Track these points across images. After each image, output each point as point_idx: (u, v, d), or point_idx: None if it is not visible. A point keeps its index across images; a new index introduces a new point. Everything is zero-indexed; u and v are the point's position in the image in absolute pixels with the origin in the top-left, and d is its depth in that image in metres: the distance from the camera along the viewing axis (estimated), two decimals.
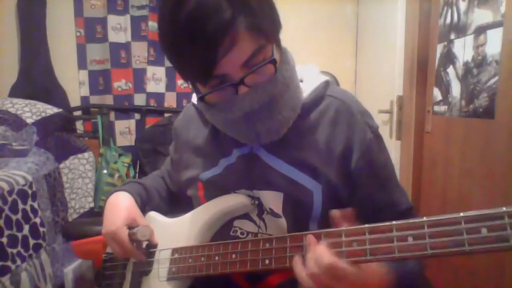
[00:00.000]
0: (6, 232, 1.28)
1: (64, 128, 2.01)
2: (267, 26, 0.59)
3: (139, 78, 2.28)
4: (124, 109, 2.29)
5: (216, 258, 0.66)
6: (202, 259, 0.68)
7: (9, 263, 1.27)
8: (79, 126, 2.27)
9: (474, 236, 0.44)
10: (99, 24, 2.22)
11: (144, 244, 0.77)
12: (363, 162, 0.68)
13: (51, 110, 1.95)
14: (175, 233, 0.76)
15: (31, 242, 1.41)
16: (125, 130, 2.31)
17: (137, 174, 2.21)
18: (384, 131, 1.94)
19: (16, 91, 2.11)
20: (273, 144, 0.68)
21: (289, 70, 0.65)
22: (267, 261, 0.60)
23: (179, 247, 0.73)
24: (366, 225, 0.52)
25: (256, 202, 0.71)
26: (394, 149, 1.81)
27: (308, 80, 0.74)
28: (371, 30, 2.21)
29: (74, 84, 2.25)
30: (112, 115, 2.27)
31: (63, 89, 2.22)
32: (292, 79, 0.65)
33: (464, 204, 1.35)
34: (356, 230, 0.53)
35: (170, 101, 2.34)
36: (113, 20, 2.21)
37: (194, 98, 0.81)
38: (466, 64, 1.34)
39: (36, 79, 2.13)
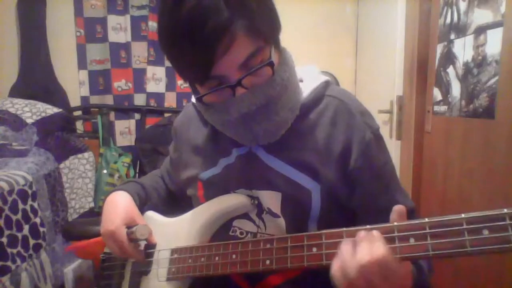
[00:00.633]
0: (6, 232, 1.28)
1: (64, 128, 2.01)
2: (265, 28, 0.59)
3: (139, 78, 2.28)
4: (124, 109, 2.29)
5: (216, 258, 0.66)
6: (202, 259, 0.68)
7: (9, 263, 1.27)
8: (79, 126, 2.27)
9: (475, 238, 0.44)
10: (99, 24, 2.22)
11: (143, 244, 0.77)
12: (362, 162, 0.67)
13: (51, 110, 1.95)
14: (174, 233, 0.76)
15: (31, 242, 1.41)
16: (125, 130, 2.31)
17: (137, 174, 2.21)
18: (384, 131, 1.93)
19: (16, 91, 2.11)
20: (272, 144, 0.67)
21: (288, 71, 0.65)
22: (268, 262, 0.60)
23: (178, 247, 0.73)
24: (368, 226, 0.52)
25: (256, 201, 0.71)
26: (394, 149, 1.81)
27: (308, 80, 0.74)
28: (371, 30, 2.21)
29: (74, 84, 2.25)
30: (112, 115, 2.27)
31: (63, 89, 2.21)
32: (290, 80, 0.65)
33: (464, 204, 1.35)
34: (356, 231, 0.52)
35: (170, 101, 2.34)
36: (113, 20, 2.21)
37: (195, 99, 0.81)
38: (466, 64, 1.34)
39: (36, 79, 2.13)
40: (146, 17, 2.24)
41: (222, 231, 0.73)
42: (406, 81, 1.75)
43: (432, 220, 0.48)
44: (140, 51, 2.27)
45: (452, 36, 1.42)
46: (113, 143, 2.25)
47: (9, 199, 1.31)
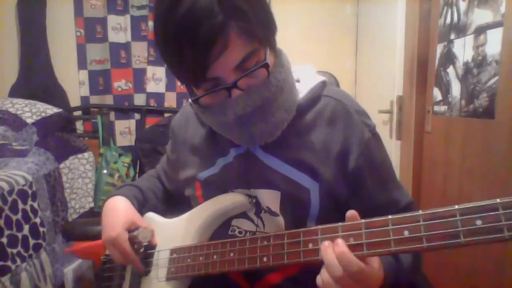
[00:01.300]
0: (6, 232, 1.28)
1: (64, 128, 2.02)
2: (260, 30, 0.59)
3: (139, 78, 2.29)
4: (124, 109, 2.29)
5: (215, 257, 0.66)
6: (201, 258, 0.68)
7: (9, 263, 1.27)
8: (79, 126, 2.27)
9: (469, 228, 0.44)
10: (99, 24, 2.23)
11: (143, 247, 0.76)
12: (362, 161, 0.68)
13: (51, 110, 1.96)
14: (173, 233, 0.76)
15: (31, 242, 1.41)
16: (125, 130, 2.31)
17: (137, 174, 2.21)
18: (384, 131, 1.94)
19: (16, 91, 2.11)
20: (270, 144, 0.68)
21: (283, 72, 0.65)
22: (265, 259, 0.60)
23: (177, 247, 0.73)
24: (362, 220, 0.52)
25: (254, 200, 0.71)
26: (394, 149, 1.81)
27: (304, 80, 0.74)
28: (371, 30, 2.21)
29: (74, 84, 2.25)
30: (112, 115, 2.28)
31: (63, 89, 2.22)
32: (286, 82, 0.65)
33: None
34: (352, 225, 0.53)
35: (170, 101, 2.35)
36: (113, 20, 2.22)
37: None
38: (466, 64, 1.34)
39: (36, 79, 2.13)
40: (146, 17, 2.24)
41: (221, 230, 0.73)
42: (406, 81, 1.75)
43: (426, 212, 0.48)
44: (140, 51, 2.27)
45: (452, 36, 1.42)
46: (113, 143, 2.25)
47: (9, 199, 1.31)
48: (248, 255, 0.62)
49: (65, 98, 2.22)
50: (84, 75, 2.26)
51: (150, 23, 2.24)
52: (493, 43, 1.20)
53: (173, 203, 0.91)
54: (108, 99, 2.27)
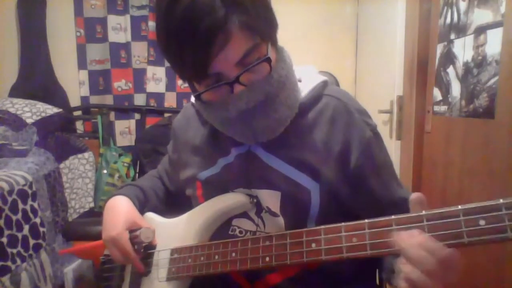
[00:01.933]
0: (6, 232, 1.28)
1: (64, 128, 2.01)
2: (261, 25, 0.59)
3: (139, 78, 2.29)
4: (124, 109, 2.29)
5: (216, 257, 0.66)
6: (202, 258, 0.68)
7: (9, 263, 1.27)
8: (79, 126, 2.27)
9: (472, 228, 0.45)
10: (99, 24, 2.22)
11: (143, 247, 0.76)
12: (363, 160, 0.68)
13: (51, 110, 1.95)
14: (173, 233, 0.76)
15: (31, 242, 1.41)
16: (125, 130, 2.31)
17: (137, 174, 2.20)
18: (384, 131, 1.94)
19: (16, 91, 2.11)
20: (271, 143, 0.68)
21: (285, 68, 0.65)
22: (267, 259, 0.60)
23: (178, 247, 0.73)
24: (366, 220, 0.52)
25: (255, 200, 0.71)
26: (394, 149, 1.82)
27: (306, 80, 0.74)
28: (371, 30, 2.21)
29: (74, 84, 2.25)
30: (112, 115, 2.27)
31: (63, 89, 2.22)
32: (288, 78, 0.65)
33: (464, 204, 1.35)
34: (355, 226, 0.53)
35: (170, 101, 2.34)
36: (113, 20, 2.21)
37: (193, 98, 0.81)
38: (466, 64, 1.34)
39: (36, 79, 2.13)
40: (146, 17, 2.24)
41: (221, 230, 0.73)
42: (406, 81, 1.75)
43: (430, 212, 0.48)
44: (140, 51, 2.27)
45: (452, 36, 1.42)
46: (113, 143, 2.25)
47: (9, 199, 1.31)
48: (250, 255, 0.62)
49: (65, 98, 2.22)
50: (84, 75, 2.26)
51: (150, 23, 2.23)
52: (493, 43, 1.20)
53: (174, 203, 0.91)
54: (108, 99, 2.27)
